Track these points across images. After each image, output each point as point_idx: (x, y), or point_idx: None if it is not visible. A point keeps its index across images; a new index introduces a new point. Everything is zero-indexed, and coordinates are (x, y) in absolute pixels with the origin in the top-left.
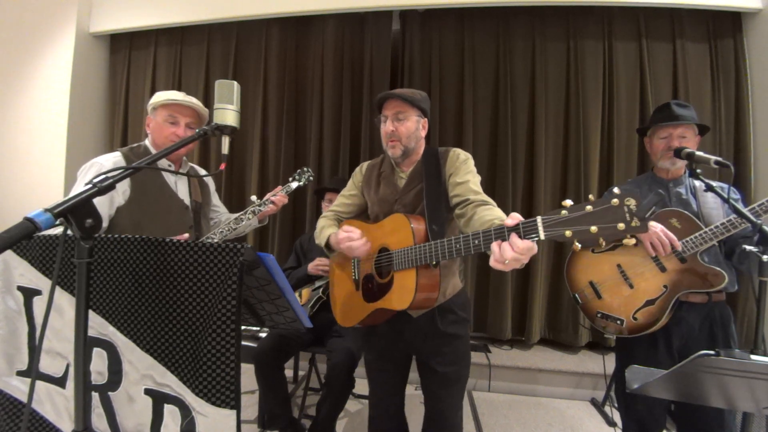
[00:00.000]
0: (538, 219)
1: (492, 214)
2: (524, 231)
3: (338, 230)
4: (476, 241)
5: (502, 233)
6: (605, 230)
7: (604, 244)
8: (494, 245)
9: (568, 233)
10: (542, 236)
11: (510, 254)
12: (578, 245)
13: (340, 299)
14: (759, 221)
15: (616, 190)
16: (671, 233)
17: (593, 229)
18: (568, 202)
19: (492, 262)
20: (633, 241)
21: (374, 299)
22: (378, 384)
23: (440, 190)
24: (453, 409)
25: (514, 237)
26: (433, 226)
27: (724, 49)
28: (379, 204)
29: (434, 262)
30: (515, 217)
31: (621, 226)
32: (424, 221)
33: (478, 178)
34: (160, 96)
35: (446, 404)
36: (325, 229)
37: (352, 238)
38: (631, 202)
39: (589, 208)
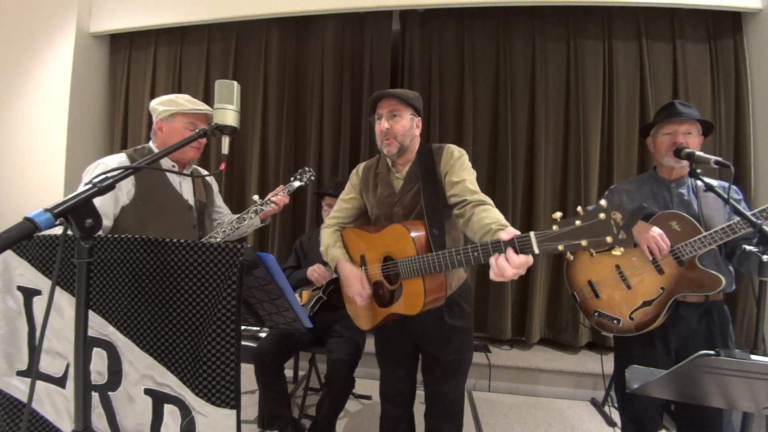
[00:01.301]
0: (532, 235)
1: (489, 217)
2: (519, 246)
3: (349, 267)
4: (476, 254)
5: (499, 247)
6: (594, 243)
7: (594, 253)
8: (492, 260)
9: (560, 247)
10: (536, 251)
11: (509, 272)
12: (571, 256)
13: (355, 304)
14: (759, 221)
15: (603, 202)
16: (667, 239)
17: (583, 243)
18: (559, 215)
19: (492, 276)
20: (621, 250)
21: (387, 304)
22: (387, 372)
23: (437, 189)
24: (455, 389)
25: (510, 252)
26: (433, 230)
27: (724, 49)
28: (378, 206)
29: (438, 271)
30: (510, 232)
31: (609, 239)
32: (424, 227)
33: (473, 175)
34: (180, 103)
35: (449, 385)
36: (331, 249)
37: (363, 295)
38: (617, 216)
39: (578, 222)
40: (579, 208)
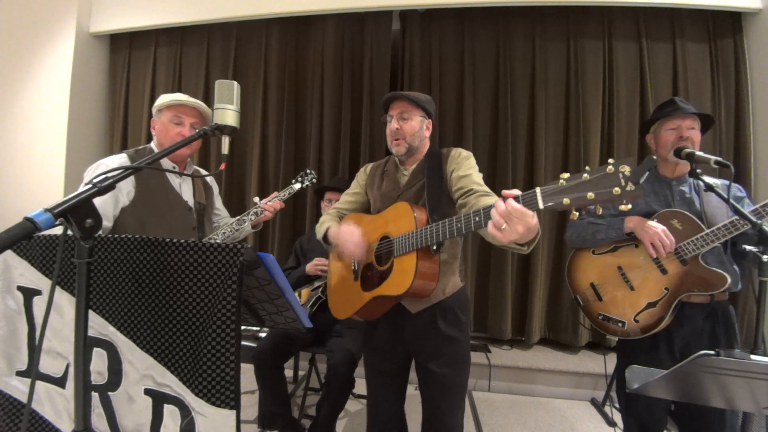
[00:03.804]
0: (537, 190)
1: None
2: (524, 202)
3: (339, 224)
4: (477, 218)
5: None
6: (602, 195)
7: (600, 211)
8: (493, 210)
9: (566, 201)
10: (541, 206)
11: (512, 206)
12: (576, 213)
13: (337, 289)
14: (759, 221)
15: (611, 160)
16: (672, 236)
17: (590, 195)
18: (566, 174)
19: (490, 228)
20: (629, 206)
21: (372, 287)
22: (376, 386)
23: (442, 187)
24: (452, 412)
25: (510, 200)
26: (434, 216)
27: (724, 49)
28: (381, 199)
29: (435, 245)
30: (515, 191)
31: (617, 190)
32: (426, 212)
33: (480, 175)
34: (165, 98)
35: (445, 407)
36: (325, 224)
37: (353, 232)
38: (626, 169)
39: (585, 176)
40: (587, 167)
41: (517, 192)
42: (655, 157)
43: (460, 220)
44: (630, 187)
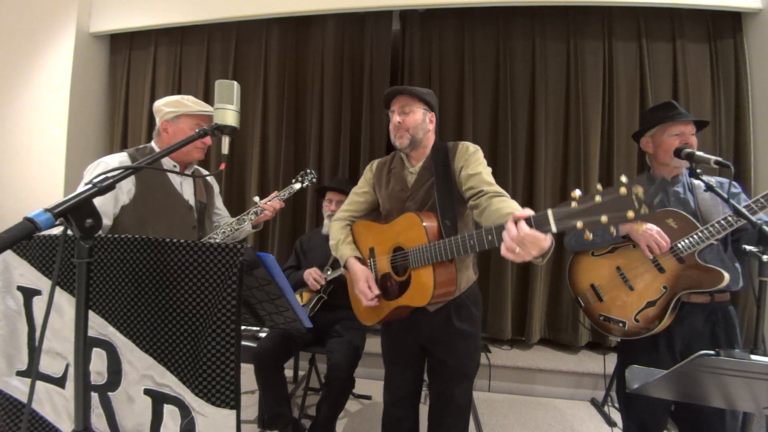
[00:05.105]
0: (549, 212)
1: (508, 206)
2: (536, 223)
3: (358, 265)
4: (490, 237)
5: None
6: (615, 219)
7: (615, 233)
8: (505, 233)
9: (579, 225)
10: (554, 230)
11: (525, 231)
12: (590, 235)
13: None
14: (758, 222)
15: (623, 178)
16: (665, 235)
17: (603, 219)
18: (577, 193)
19: (503, 251)
20: (644, 227)
21: (394, 297)
22: (392, 374)
23: (450, 184)
24: (464, 395)
25: (522, 223)
26: (445, 222)
27: (724, 49)
28: (390, 201)
29: (450, 258)
30: (527, 211)
31: (630, 214)
32: (436, 218)
33: (489, 170)
34: (185, 104)
35: (458, 391)
36: (341, 246)
37: (367, 295)
38: (639, 191)
39: (598, 198)
40: (599, 186)
41: (529, 212)
42: (669, 179)
43: (472, 237)
44: (644, 210)
